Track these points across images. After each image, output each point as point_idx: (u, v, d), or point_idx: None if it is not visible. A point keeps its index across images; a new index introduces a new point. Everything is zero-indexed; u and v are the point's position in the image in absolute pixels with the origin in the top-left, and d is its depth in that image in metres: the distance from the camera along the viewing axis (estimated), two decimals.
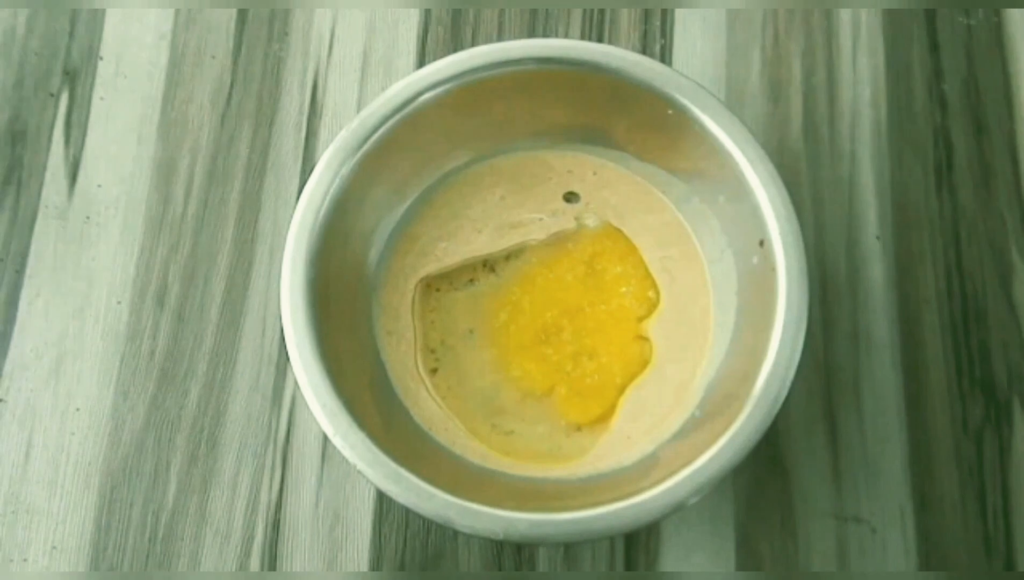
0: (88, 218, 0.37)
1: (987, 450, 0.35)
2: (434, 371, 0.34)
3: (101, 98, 0.39)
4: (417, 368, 0.34)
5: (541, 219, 0.35)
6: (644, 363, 0.34)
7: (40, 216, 0.37)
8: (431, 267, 0.35)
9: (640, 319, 0.34)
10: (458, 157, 0.35)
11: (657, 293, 0.34)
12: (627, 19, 0.40)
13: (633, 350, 0.34)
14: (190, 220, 0.37)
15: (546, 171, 0.36)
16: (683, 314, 0.34)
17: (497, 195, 0.35)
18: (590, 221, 0.35)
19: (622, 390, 0.34)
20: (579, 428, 0.33)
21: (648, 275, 0.35)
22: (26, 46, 0.40)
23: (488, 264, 0.35)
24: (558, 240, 0.35)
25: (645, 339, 0.34)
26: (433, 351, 0.34)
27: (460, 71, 0.32)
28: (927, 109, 0.39)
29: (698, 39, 0.40)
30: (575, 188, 0.35)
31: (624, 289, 0.35)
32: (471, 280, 0.35)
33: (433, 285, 0.35)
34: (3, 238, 0.37)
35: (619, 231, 0.35)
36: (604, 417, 0.33)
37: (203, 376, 0.36)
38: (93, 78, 0.39)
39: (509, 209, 0.35)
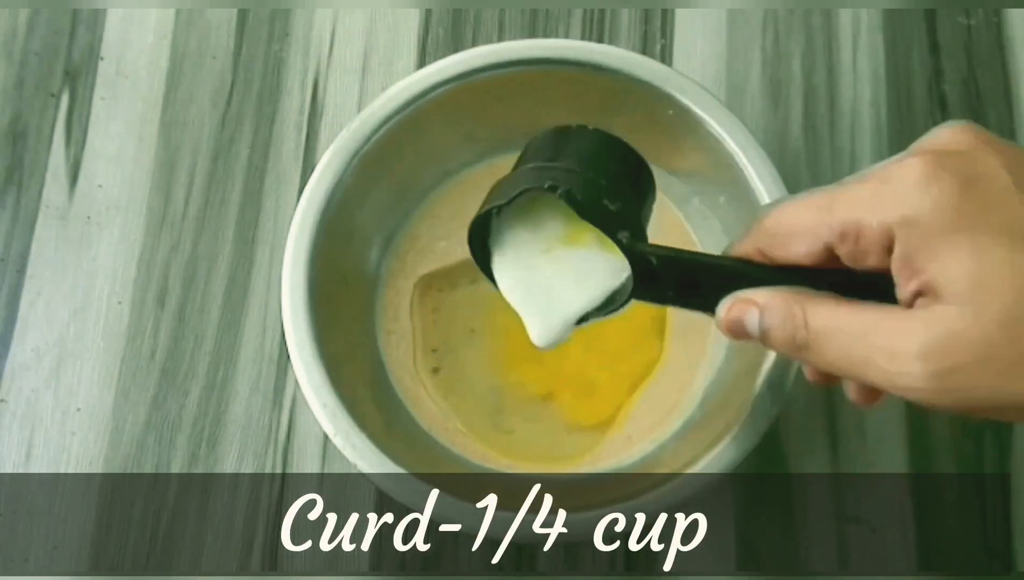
0: (89, 218, 0.37)
1: (987, 450, 0.35)
2: (436, 371, 0.34)
3: (102, 98, 0.39)
4: (416, 368, 0.34)
5: None
6: (652, 363, 0.34)
7: (41, 216, 0.38)
8: (431, 266, 0.35)
9: (648, 320, 0.34)
10: (459, 157, 0.35)
11: None
12: (627, 19, 0.40)
13: (642, 350, 0.34)
14: (191, 220, 0.37)
15: None
16: (686, 313, 0.34)
17: None
18: None
19: (632, 391, 0.33)
20: (581, 430, 0.33)
21: None
22: (27, 46, 0.40)
23: None
24: None
25: (654, 339, 0.34)
26: (435, 351, 0.34)
27: (461, 71, 0.32)
28: (927, 109, 0.39)
29: (698, 39, 0.40)
30: None
31: None
32: (472, 280, 0.35)
33: (434, 285, 0.35)
34: (4, 238, 0.37)
35: None
36: (610, 418, 0.33)
37: (204, 376, 0.36)
38: (94, 78, 0.39)
39: None
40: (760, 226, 0.23)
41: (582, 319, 0.26)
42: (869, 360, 0.21)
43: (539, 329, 0.26)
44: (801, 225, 0.22)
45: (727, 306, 0.23)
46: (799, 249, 0.22)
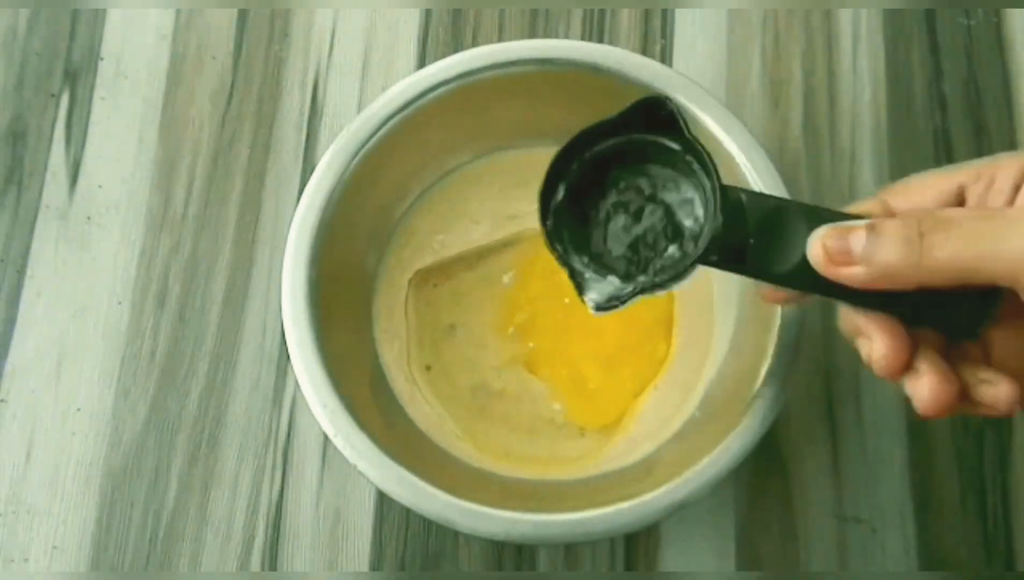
0: (89, 219, 0.37)
1: (987, 450, 0.35)
2: (428, 368, 0.34)
3: (102, 98, 0.39)
4: (410, 367, 0.34)
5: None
6: (658, 364, 0.34)
7: (41, 216, 0.38)
8: (427, 260, 0.35)
9: (652, 318, 0.34)
10: (458, 156, 0.35)
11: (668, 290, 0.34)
12: (627, 19, 0.40)
13: (646, 350, 0.34)
14: (191, 221, 0.37)
15: (546, 166, 0.35)
16: (690, 314, 0.34)
17: (496, 189, 0.35)
18: None
19: (637, 394, 0.33)
20: (583, 434, 0.33)
21: None
22: (27, 46, 0.40)
23: (486, 256, 0.35)
24: None
25: (659, 341, 0.34)
26: (426, 347, 0.34)
27: (461, 71, 0.32)
28: (927, 109, 0.39)
29: (698, 39, 0.40)
30: None
31: None
32: (468, 272, 0.35)
33: (431, 279, 0.35)
34: (4, 238, 0.37)
35: None
36: (615, 421, 0.33)
37: (204, 376, 0.36)
38: (94, 78, 0.39)
39: (508, 201, 0.35)
40: (889, 186, 0.24)
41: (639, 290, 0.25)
42: (996, 257, 0.21)
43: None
44: (933, 176, 0.23)
45: (823, 232, 0.22)
46: (927, 194, 0.23)
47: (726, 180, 0.24)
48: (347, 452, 0.29)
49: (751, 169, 0.31)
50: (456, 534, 0.34)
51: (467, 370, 0.34)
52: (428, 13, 0.40)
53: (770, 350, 0.29)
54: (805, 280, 0.23)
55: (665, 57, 0.39)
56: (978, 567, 0.34)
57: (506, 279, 0.35)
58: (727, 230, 0.23)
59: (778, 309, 0.29)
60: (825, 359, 0.36)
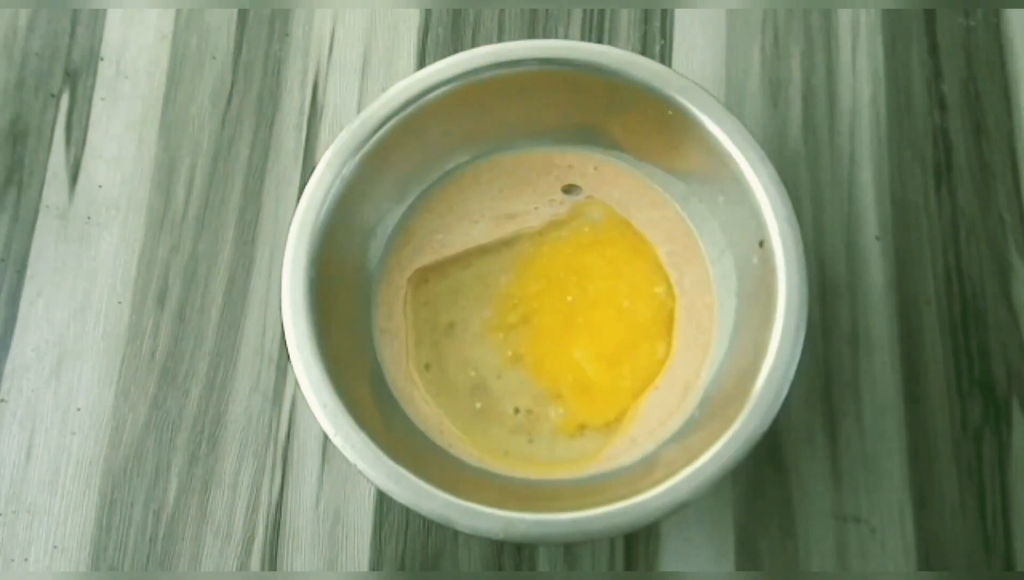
0: (89, 218, 0.38)
1: (986, 450, 0.35)
2: (427, 367, 0.34)
3: (102, 98, 0.39)
4: (409, 367, 0.34)
5: (537, 209, 0.35)
6: (658, 364, 0.34)
7: (41, 216, 0.38)
8: (427, 260, 0.35)
9: (652, 316, 0.34)
10: (458, 156, 0.36)
11: (669, 289, 0.34)
12: (627, 19, 0.40)
13: (646, 350, 0.34)
14: (191, 220, 0.37)
15: (546, 166, 0.36)
16: (690, 313, 0.34)
17: (495, 188, 0.35)
18: (594, 212, 0.35)
19: (638, 394, 0.33)
20: (583, 433, 0.33)
21: (660, 268, 0.34)
22: (27, 46, 0.40)
23: (485, 255, 0.35)
24: (558, 229, 0.35)
25: (658, 340, 0.34)
26: (426, 346, 0.34)
27: (460, 72, 0.32)
28: (927, 109, 0.39)
29: (698, 39, 0.40)
30: (576, 181, 0.35)
31: (635, 284, 0.34)
32: (467, 271, 0.35)
33: (429, 279, 0.35)
34: (4, 238, 0.37)
35: (627, 222, 0.35)
36: (615, 421, 0.33)
37: (204, 376, 0.36)
38: (94, 78, 0.39)
39: (507, 200, 0.35)
40: None
41: None
42: None
43: None
44: None
45: None
46: None
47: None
48: (347, 452, 0.29)
49: (750, 169, 0.31)
50: (456, 534, 0.34)
51: (466, 369, 0.34)
52: (428, 13, 0.40)
53: (770, 349, 0.29)
54: None
55: (664, 57, 0.39)
56: (977, 567, 0.34)
57: (505, 278, 0.35)
58: None
59: (778, 309, 0.29)
60: (825, 358, 0.36)
